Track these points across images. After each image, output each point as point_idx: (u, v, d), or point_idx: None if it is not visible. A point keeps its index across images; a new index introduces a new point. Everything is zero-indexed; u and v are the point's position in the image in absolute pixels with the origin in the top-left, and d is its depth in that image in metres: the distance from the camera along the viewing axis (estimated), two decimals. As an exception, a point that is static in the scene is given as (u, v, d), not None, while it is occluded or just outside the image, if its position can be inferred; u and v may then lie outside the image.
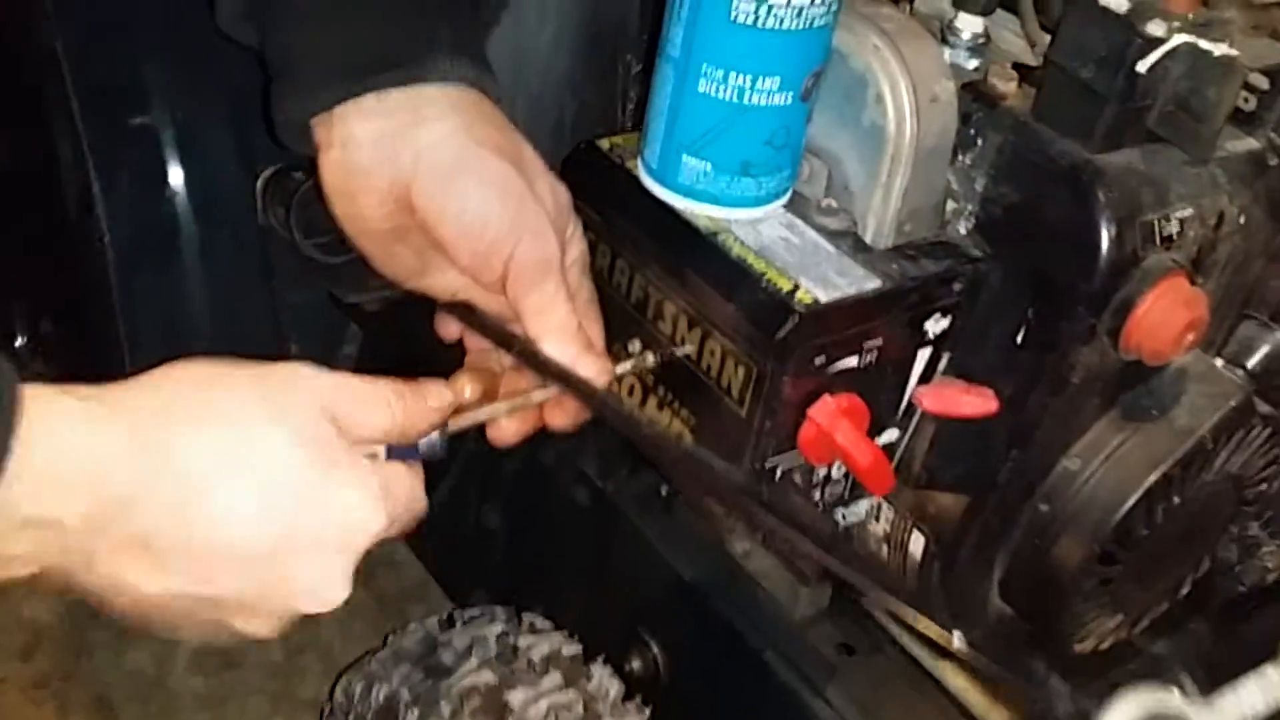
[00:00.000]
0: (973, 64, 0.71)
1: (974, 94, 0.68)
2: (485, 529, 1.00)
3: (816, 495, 0.70)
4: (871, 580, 0.48)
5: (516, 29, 0.73)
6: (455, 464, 0.98)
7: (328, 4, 0.64)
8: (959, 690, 0.81)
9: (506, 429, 0.66)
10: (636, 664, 0.90)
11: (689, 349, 0.68)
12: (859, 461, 0.63)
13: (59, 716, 1.23)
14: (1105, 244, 0.64)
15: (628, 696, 0.89)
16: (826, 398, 0.64)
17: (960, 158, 0.68)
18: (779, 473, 0.67)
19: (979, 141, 0.68)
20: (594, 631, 0.93)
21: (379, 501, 0.52)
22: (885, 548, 0.77)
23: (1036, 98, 0.67)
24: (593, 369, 0.64)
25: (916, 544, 0.75)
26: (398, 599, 1.27)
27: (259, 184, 0.96)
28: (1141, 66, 0.62)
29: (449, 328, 0.70)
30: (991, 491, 0.71)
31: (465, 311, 0.68)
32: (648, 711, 0.88)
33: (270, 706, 1.26)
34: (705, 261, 0.66)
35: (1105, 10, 0.63)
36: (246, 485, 0.49)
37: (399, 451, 0.56)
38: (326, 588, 0.52)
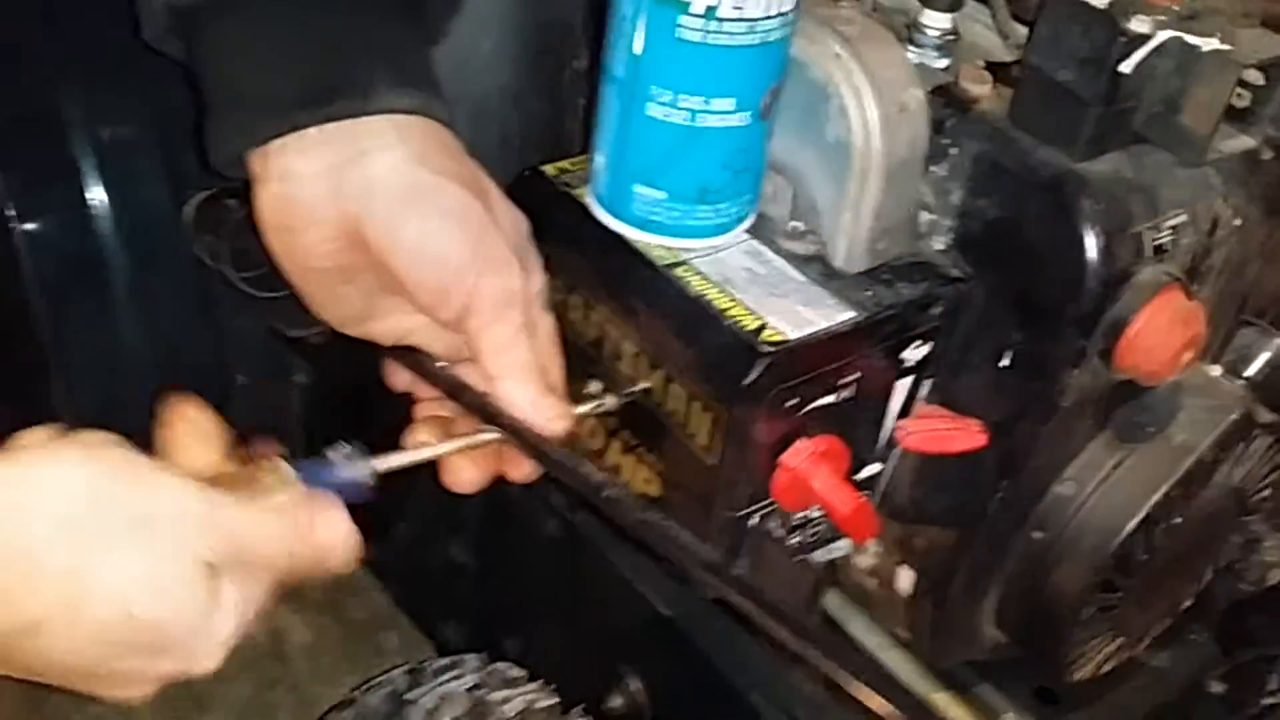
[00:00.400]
0: (942, 63, 0.66)
1: (945, 98, 0.63)
2: (454, 563, 0.95)
3: (796, 539, 0.65)
4: (862, 681, 0.44)
5: (455, 42, 0.68)
6: (419, 498, 0.94)
7: (260, 29, 0.58)
8: (955, 722, 0.77)
9: (464, 476, 0.61)
10: (618, 701, 0.86)
11: (649, 386, 0.63)
12: (839, 510, 0.59)
13: (18, 772, 1.19)
14: (1093, 260, 0.59)
15: (609, 737, 0.85)
16: (801, 441, 0.59)
17: (933, 168, 0.64)
18: (754, 521, 0.62)
19: (953, 150, 0.63)
20: (572, 667, 0.89)
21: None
22: (873, 581, 0.73)
23: (1013, 102, 0.62)
24: (552, 411, 0.60)
25: (905, 578, 0.71)
26: (368, 626, 1.22)
27: (188, 212, 0.90)
28: (1125, 67, 0.57)
29: (399, 377, 0.65)
30: (982, 520, 0.67)
31: (411, 358, 0.64)
32: (630, 754, 0.84)
33: (242, 747, 1.22)
34: (663, 298, 0.61)
35: (1084, 6, 0.58)
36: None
37: (311, 476, 0.51)
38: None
